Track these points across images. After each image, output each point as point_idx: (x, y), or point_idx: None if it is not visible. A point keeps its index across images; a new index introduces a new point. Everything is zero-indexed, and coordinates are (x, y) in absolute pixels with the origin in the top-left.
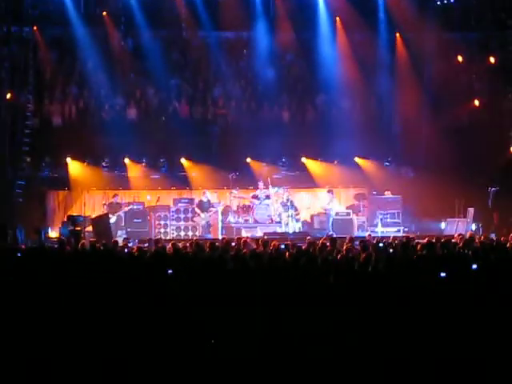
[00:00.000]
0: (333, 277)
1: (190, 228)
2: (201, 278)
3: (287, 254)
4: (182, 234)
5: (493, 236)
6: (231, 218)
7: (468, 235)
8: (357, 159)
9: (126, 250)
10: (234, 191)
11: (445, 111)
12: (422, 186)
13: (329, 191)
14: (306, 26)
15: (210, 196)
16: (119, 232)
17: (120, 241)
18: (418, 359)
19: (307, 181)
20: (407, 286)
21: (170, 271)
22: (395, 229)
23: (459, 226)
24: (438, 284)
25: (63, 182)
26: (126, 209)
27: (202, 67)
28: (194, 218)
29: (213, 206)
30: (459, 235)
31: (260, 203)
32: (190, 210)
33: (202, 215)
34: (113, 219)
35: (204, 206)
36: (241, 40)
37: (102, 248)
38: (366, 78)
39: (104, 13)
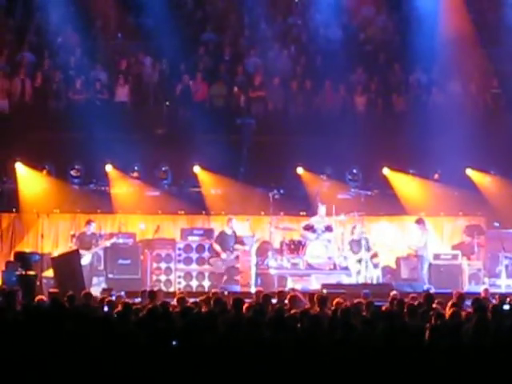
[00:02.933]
0: (427, 355)
1: (206, 275)
2: (222, 352)
3: (360, 317)
4: (194, 283)
5: None
6: (271, 261)
7: None
8: (470, 172)
9: (105, 308)
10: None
11: None
12: None
13: (418, 221)
14: None
15: (236, 226)
16: (95, 279)
17: (96, 293)
18: None
19: (391, 204)
20: None
21: (174, 342)
22: None
23: None
24: None
25: (9, 199)
26: (107, 243)
27: (229, 25)
28: (211, 260)
29: (242, 243)
30: None
31: (317, 238)
32: (207, 246)
33: (224, 255)
34: (86, 259)
35: (227, 242)
36: None
37: (68, 304)
38: (486, 48)
39: None
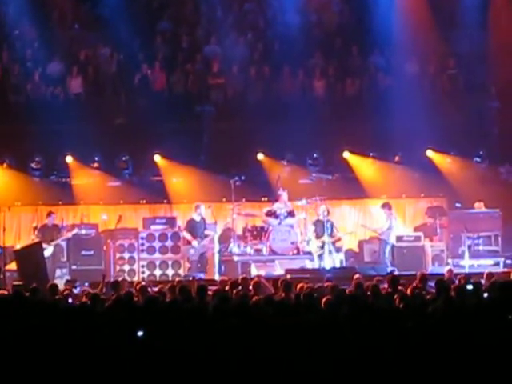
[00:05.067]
0: (392, 338)
1: (170, 264)
2: (187, 341)
3: (323, 301)
4: (158, 272)
5: None
6: (234, 248)
7: None
8: (430, 153)
9: (69, 300)
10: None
11: None
12: None
13: (384, 205)
14: None
15: (205, 212)
16: (59, 271)
17: (60, 284)
18: None
19: (352, 188)
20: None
21: (140, 332)
22: (492, 261)
23: None
24: None
25: None
26: (69, 234)
27: (185, 12)
28: (182, 248)
29: (208, 229)
30: None
31: (279, 223)
32: (169, 235)
33: (195, 243)
34: (48, 251)
35: (197, 229)
36: None
37: (31, 296)
38: (442, 29)
39: None
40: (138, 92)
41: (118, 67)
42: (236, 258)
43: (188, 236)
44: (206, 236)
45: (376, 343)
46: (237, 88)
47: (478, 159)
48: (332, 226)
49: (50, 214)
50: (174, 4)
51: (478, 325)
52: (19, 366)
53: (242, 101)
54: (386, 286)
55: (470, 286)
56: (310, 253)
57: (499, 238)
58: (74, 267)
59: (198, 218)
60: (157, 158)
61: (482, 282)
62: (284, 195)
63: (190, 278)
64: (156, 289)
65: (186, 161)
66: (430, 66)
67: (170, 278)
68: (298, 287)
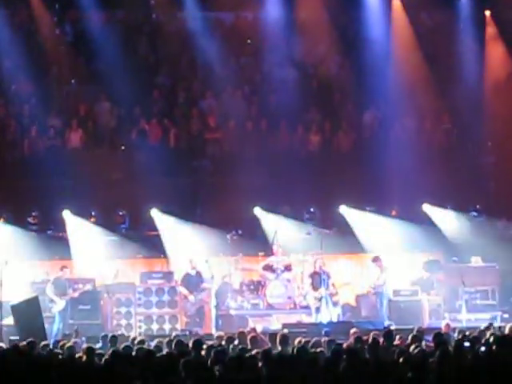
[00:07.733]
0: None
1: (167, 318)
2: None
3: (320, 355)
4: (155, 327)
5: None
6: (231, 302)
7: None
8: (426, 207)
9: (67, 353)
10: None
11: None
12: None
13: (374, 259)
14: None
15: (200, 267)
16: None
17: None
18: None
19: (349, 242)
20: None
21: None
22: (489, 315)
23: None
24: None
25: None
26: (76, 294)
27: (182, 66)
28: (180, 302)
29: (204, 282)
30: None
31: (276, 278)
32: (166, 289)
33: (191, 298)
34: (59, 305)
35: (193, 284)
36: (243, 23)
37: (28, 351)
38: (438, 84)
39: None
40: (135, 146)
41: (116, 121)
42: (233, 312)
43: (184, 291)
44: (203, 290)
45: None
46: (233, 142)
47: (474, 213)
48: (328, 278)
49: (63, 267)
50: (171, 59)
51: (475, 378)
52: None
53: (238, 155)
54: (382, 340)
55: (467, 343)
56: (307, 307)
57: (496, 292)
58: (71, 321)
59: (193, 273)
60: (153, 212)
61: (480, 335)
62: (279, 250)
63: (187, 333)
64: (153, 343)
65: (182, 215)
66: (426, 119)
67: (167, 333)
68: (296, 341)
